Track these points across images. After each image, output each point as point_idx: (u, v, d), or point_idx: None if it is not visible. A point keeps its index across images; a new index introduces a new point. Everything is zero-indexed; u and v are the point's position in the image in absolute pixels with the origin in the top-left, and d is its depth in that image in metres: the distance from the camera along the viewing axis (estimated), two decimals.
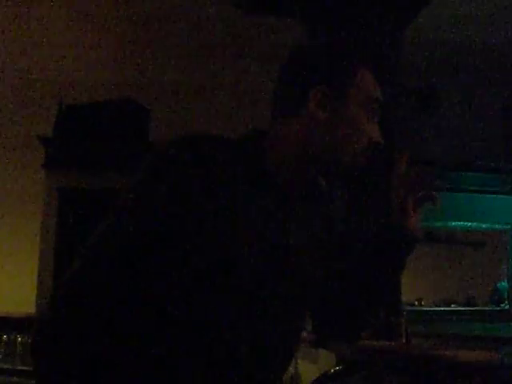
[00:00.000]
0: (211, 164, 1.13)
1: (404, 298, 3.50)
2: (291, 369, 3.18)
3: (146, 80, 4.54)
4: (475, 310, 5.27)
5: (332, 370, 1.70)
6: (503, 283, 5.49)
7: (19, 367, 3.93)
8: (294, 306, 1.23)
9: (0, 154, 4.74)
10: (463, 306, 5.38)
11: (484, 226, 5.19)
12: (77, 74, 4.60)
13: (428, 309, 5.20)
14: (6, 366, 3.97)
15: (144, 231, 1.09)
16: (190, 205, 1.09)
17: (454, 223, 5.14)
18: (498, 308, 5.37)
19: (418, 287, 5.25)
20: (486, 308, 5.40)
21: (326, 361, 1.65)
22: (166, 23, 4.14)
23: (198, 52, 4.44)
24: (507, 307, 5.28)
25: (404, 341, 2.40)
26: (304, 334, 1.58)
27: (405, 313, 3.33)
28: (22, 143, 4.60)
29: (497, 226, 5.21)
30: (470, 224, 5.15)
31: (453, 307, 5.35)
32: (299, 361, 3.10)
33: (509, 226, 5.17)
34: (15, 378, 3.86)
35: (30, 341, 1.13)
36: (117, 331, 1.10)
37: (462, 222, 5.13)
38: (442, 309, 5.28)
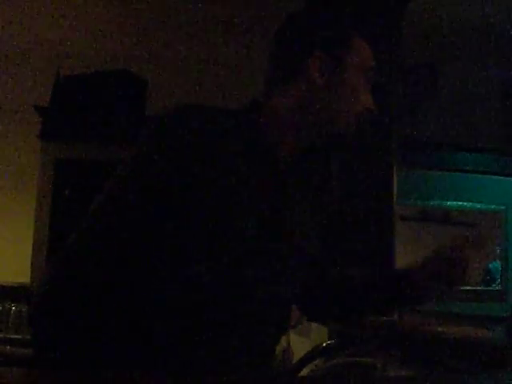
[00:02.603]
0: (207, 133, 1.14)
1: None
2: (283, 342, 3.21)
3: (144, 51, 4.50)
4: (466, 290, 5.30)
5: (324, 344, 1.71)
6: (495, 264, 5.51)
7: (13, 336, 3.95)
8: (285, 274, 1.23)
9: None
10: None
11: (479, 206, 5.21)
12: (75, 44, 4.56)
13: None
14: None
15: (142, 199, 1.10)
16: (187, 174, 1.10)
17: (449, 203, 5.16)
18: (490, 288, 5.40)
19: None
20: (478, 288, 5.43)
21: (318, 334, 1.66)
22: None
23: (197, 23, 4.40)
24: (499, 288, 5.31)
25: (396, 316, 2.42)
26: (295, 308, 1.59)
27: None
28: (19, 113, 4.57)
29: (491, 206, 5.23)
30: (464, 204, 5.16)
31: None
32: (291, 334, 3.13)
33: (503, 207, 5.19)
34: (8, 347, 3.87)
35: (27, 309, 1.13)
36: (117, 296, 1.11)
37: (456, 202, 5.14)
38: None
